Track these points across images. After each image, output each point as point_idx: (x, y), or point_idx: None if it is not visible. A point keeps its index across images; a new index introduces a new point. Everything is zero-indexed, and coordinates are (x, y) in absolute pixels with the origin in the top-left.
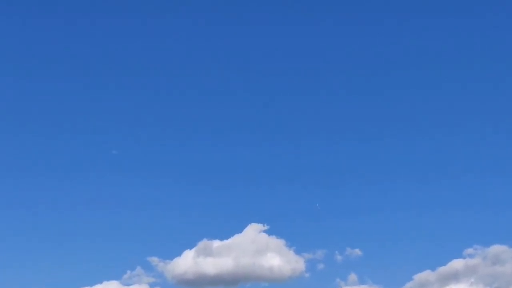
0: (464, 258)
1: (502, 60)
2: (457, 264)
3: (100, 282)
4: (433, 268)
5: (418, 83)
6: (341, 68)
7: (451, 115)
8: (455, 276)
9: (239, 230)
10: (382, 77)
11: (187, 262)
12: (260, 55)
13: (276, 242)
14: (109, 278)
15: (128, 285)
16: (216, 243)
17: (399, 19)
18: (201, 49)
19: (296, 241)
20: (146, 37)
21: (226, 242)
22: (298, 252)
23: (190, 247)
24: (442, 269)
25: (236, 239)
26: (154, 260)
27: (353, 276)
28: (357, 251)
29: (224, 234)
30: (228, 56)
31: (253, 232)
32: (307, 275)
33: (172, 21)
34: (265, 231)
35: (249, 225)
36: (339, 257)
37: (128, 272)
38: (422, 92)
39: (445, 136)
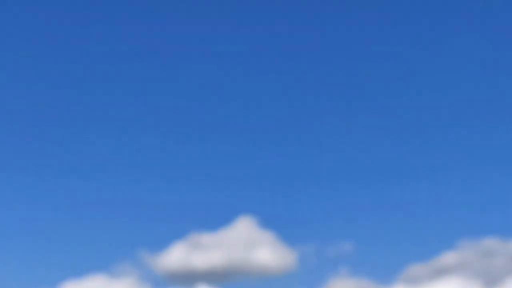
0: (456, 250)
1: (505, 61)
2: (448, 256)
3: (87, 274)
4: (424, 261)
5: (416, 85)
6: (340, 70)
7: (447, 114)
8: (446, 269)
9: (230, 222)
10: (381, 79)
11: (176, 255)
12: (256, 56)
13: (267, 234)
14: (96, 270)
15: (116, 278)
16: (206, 235)
17: (396, 22)
18: (198, 49)
19: (287, 233)
20: (143, 39)
21: (216, 234)
22: (289, 244)
23: (180, 240)
24: (434, 262)
25: (227, 231)
26: (143, 252)
27: (344, 269)
28: (350, 244)
29: (215, 226)
30: (220, 56)
31: (244, 225)
32: (298, 268)
33: (171, 22)
34: (256, 224)
35: (240, 217)
36: (330, 250)
37: (116, 264)
38: (419, 93)
39: (437, 131)
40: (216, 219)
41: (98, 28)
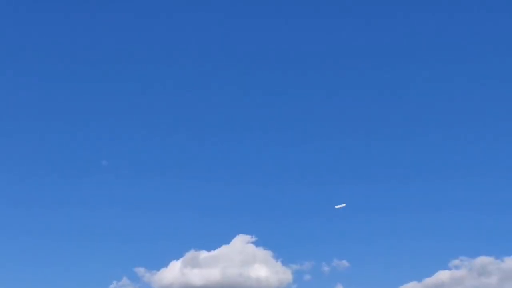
0: (450, 269)
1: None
2: (443, 275)
3: None
4: (419, 280)
5: (417, 82)
6: (341, 66)
7: (442, 134)
8: (441, 287)
9: (227, 241)
10: (382, 75)
11: (174, 273)
12: (258, 52)
13: (263, 253)
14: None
15: None
16: (203, 254)
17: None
18: (195, 46)
19: (283, 252)
20: (139, 39)
21: (213, 252)
22: (285, 263)
23: (177, 258)
24: (428, 281)
25: (223, 249)
26: (140, 270)
27: (340, 287)
28: (344, 263)
29: (212, 244)
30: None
31: (241, 243)
32: (294, 286)
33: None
34: (252, 242)
35: (237, 236)
36: (326, 268)
37: (114, 282)
38: (415, 92)
39: (432, 156)
40: (215, 238)
41: (98, 29)
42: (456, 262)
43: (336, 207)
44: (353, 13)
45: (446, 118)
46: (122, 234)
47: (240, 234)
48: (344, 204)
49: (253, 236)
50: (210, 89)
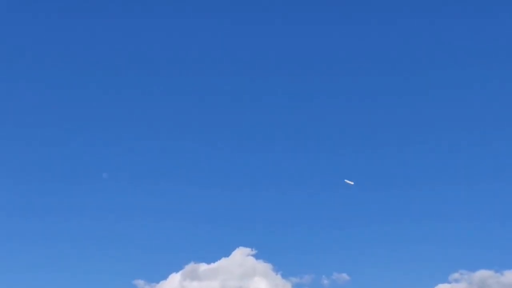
0: (450, 282)
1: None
2: None
3: None
4: None
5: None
6: (342, 72)
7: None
8: None
9: (227, 253)
10: (380, 81)
11: (173, 285)
12: (257, 57)
13: (263, 266)
14: None
15: None
16: (203, 266)
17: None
18: (188, 54)
19: (283, 265)
20: (140, 46)
21: (213, 265)
22: (285, 276)
23: (177, 270)
24: None
25: (223, 262)
26: (140, 283)
27: None
28: (345, 276)
29: (211, 257)
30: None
31: (241, 256)
32: None
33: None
34: (252, 255)
35: (237, 248)
36: (326, 282)
37: None
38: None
39: (431, 168)
40: (214, 251)
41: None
42: (456, 275)
43: (346, 181)
44: (360, 21)
45: (449, 127)
46: (122, 246)
47: (240, 247)
48: (353, 183)
49: (253, 249)
50: (213, 97)
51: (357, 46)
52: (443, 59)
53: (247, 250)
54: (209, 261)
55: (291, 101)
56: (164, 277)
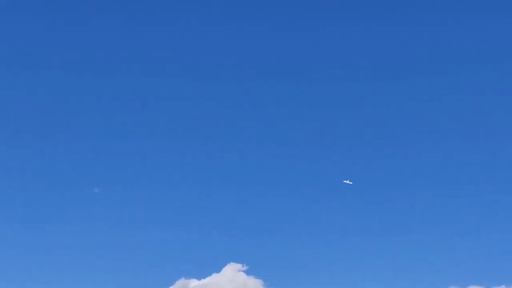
0: None
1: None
2: None
3: None
4: None
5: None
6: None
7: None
8: None
9: (218, 269)
10: (379, 87)
11: None
12: (256, 59)
13: (254, 282)
14: None
15: None
16: (194, 282)
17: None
18: (189, 56)
19: (274, 281)
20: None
21: (203, 281)
22: None
23: (167, 286)
24: None
25: (214, 278)
26: None
27: None
28: None
29: (202, 273)
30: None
31: (232, 272)
32: None
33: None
34: (243, 271)
35: (228, 264)
36: None
37: None
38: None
39: (424, 185)
40: (205, 266)
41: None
42: None
43: (345, 181)
44: (355, 19)
45: (440, 142)
46: (111, 261)
47: (231, 263)
48: (351, 182)
49: (244, 265)
50: (205, 108)
51: (357, 51)
52: (443, 65)
53: (238, 266)
54: (199, 276)
55: (287, 108)
56: None
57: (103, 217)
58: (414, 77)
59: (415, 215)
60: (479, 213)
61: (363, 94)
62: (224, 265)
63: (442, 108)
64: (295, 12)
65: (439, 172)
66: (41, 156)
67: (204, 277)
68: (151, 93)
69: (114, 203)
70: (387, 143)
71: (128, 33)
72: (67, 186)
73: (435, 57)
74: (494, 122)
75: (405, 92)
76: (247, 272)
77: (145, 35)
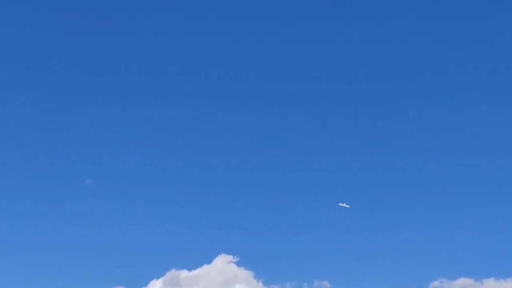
0: None
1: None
2: None
3: None
4: None
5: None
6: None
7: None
8: None
9: (208, 260)
10: (379, 88)
11: None
12: (256, 61)
13: (244, 273)
14: None
15: None
16: (184, 273)
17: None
18: (187, 55)
19: (264, 272)
20: (124, 55)
21: (194, 272)
22: (266, 283)
23: (158, 277)
24: None
25: (205, 269)
26: None
27: None
28: (326, 284)
29: (193, 264)
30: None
31: (222, 263)
32: None
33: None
34: (234, 262)
35: (219, 255)
36: None
37: None
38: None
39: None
40: (196, 258)
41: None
42: (436, 283)
43: (341, 204)
44: (361, 27)
45: (431, 137)
46: (102, 251)
47: (222, 254)
48: (349, 206)
49: (235, 256)
50: (195, 102)
51: (357, 51)
52: (443, 65)
53: (229, 257)
54: (190, 268)
55: (282, 107)
56: (145, 283)
57: (94, 209)
58: (414, 77)
59: (404, 210)
60: (468, 208)
61: (363, 94)
62: (215, 256)
63: (442, 108)
64: (295, 12)
65: (432, 170)
66: (38, 151)
67: (195, 268)
68: (151, 93)
69: (106, 195)
70: (387, 143)
71: (128, 33)
72: (59, 179)
73: (435, 57)
74: (494, 122)
75: (405, 92)
76: (238, 264)
77: (145, 35)
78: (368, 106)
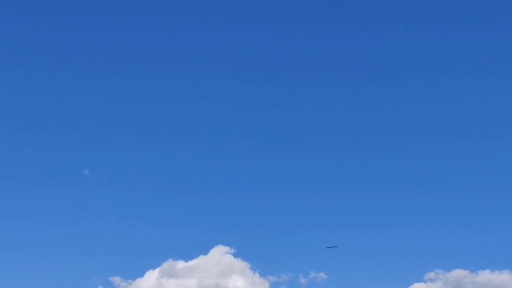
0: (426, 282)
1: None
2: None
3: None
4: None
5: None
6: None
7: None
8: None
9: (205, 251)
10: (378, 88)
11: (150, 282)
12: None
13: (241, 264)
14: None
15: None
16: (181, 264)
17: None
18: (186, 54)
19: (261, 264)
20: (122, 50)
21: (190, 263)
22: (262, 274)
23: (154, 267)
24: None
25: (201, 260)
26: (116, 280)
27: None
28: (322, 275)
29: (189, 254)
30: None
31: (219, 254)
32: None
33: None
34: (230, 253)
35: (215, 246)
36: (303, 280)
37: None
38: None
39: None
40: (193, 248)
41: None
42: (431, 275)
43: (328, 247)
44: (360, 27)
45: (429, 135)
46: (98, 242)
47: (219, 245)
48: (337, 246)
49: (232, 247)
50: (193, 100)
51: (357, 52)
52: (444, 65)
53: (226, 248)
54: (187, 258)
55: (279, 106)
56: (141, 274)
57: (91, 201)
58: (414, 77)
59: (399, 203)
60: (464, 201)
61: (363, 94)
62: (211, 247)
63: (442, 108)
64: (295, 12)
65: (432, 169)
66: (38, 151)
67: (192, 259)
68: (151, 93)
69: (103, 187)
70: (387, 142)
71: (128, 33)
72: (56, 171)
73: (435, 57)
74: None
75: (405, 92)
76: (234, 255)
77: (145, 35)
78: (368, 106)
